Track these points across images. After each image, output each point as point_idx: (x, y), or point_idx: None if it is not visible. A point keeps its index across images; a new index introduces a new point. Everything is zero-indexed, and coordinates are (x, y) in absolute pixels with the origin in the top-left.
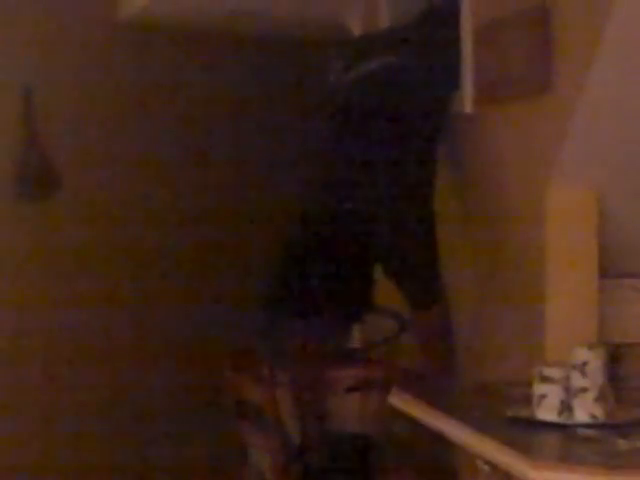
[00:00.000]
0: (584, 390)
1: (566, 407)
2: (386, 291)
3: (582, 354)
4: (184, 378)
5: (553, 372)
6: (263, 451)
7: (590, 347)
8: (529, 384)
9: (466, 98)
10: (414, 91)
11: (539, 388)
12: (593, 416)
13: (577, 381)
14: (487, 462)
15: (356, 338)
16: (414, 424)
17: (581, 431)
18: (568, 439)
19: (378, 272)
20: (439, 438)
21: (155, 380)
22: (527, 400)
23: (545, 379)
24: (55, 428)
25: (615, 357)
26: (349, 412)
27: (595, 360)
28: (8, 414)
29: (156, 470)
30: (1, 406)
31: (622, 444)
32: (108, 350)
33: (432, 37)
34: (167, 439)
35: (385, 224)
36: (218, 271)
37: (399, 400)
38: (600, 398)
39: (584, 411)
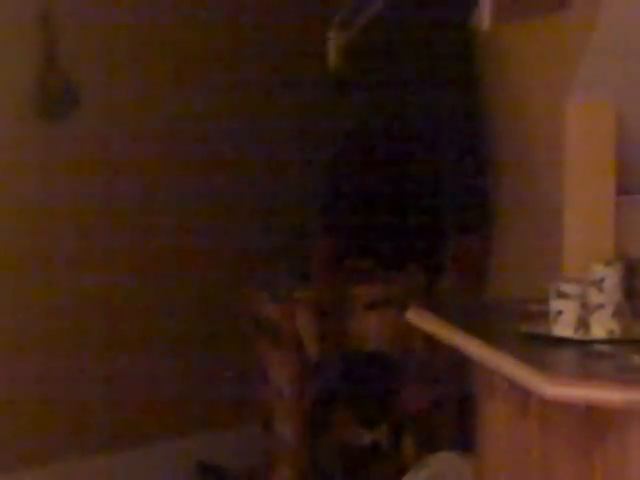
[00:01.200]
0: (601, 306)
1: (583, 323)
2: None
3: (599, 270)
4: (203, 294)
5: (570, 288)
6: (281, 368)
7: (607, 263)
8: (546, 300)
9: (484, 14)
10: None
11: (556, 304)
12: (610, 332)
13: (594, 297)
14: (505, 378)
15: None
16: (432, 341)
17: (597, 347)
18: (584, 355)
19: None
20: (457, 355)
21: (175, 294)
22: (544, 316)
23: (562, 295)
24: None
25: (632, 273)
26: (367, 330)
27: (612, 276)
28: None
29: (180, 387)
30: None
31: (638, 359)
32: (120, 263)
33: None
34: (187, 358)
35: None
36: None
37: (417, 317)
38: (617, 314)
39: (601, 327)
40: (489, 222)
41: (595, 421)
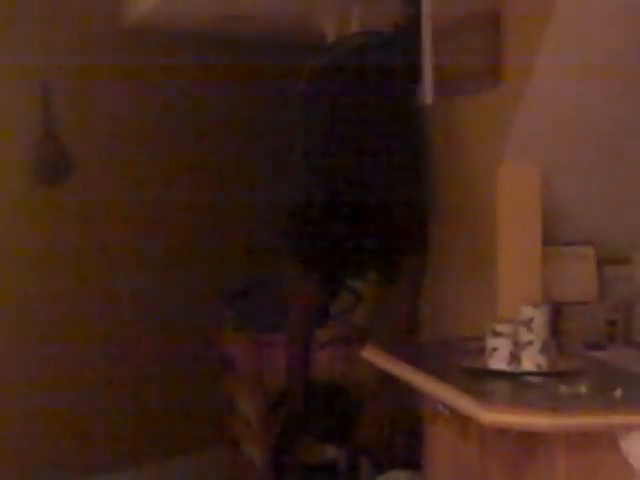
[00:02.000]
0: (530, 343)
1: (515, 358)
2: None
3: (528, 312)
4: (176, 336)
5: (503, 327)
6: (247, 401)
7: (535, 306)
8: (482, 338)
9: (426, 90)
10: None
11: (491, 342)
12: (538, 366)
13: (524, 335)
14: (447, 406)
15: None
16: (382, 374)
17: (528, 379)
18: (516, 386)
19: None
20: (404, 386)
21: (152, 333)
22: (481, 352)
23: (496, 334)
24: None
25: (557, 314)
26: (322, 365)
27: (539, 317)
28: None
29: (153, 418)
30: None
31: (563, 389)
32: (105, 313)
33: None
34: (164, 392)
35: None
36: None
37: (371, 354)
38: (544, 350)
39: (530, 361)
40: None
41: (526, 443)
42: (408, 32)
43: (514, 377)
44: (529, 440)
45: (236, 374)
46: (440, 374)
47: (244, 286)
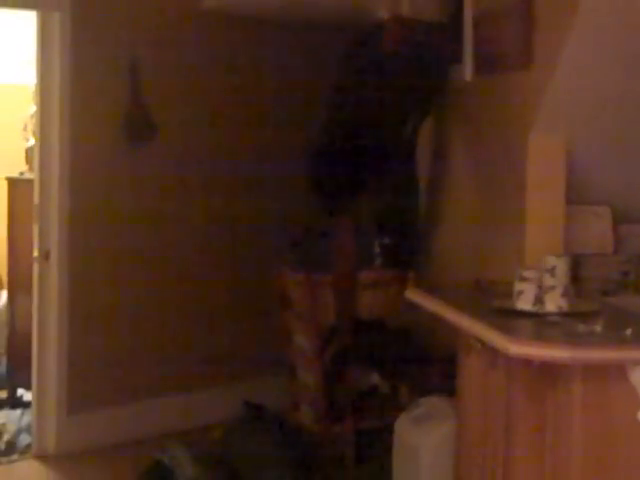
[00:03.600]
0: (553, 288)
1: (539, 300)
2: None
3: (552, 261)
4: (245, 277)
5: (530, 273)
6: (303, 336)
7: (558, 256)
8: (511, 283)
9: (467, 69)
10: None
11: (519, 285)
12: (559, 307)
13: (548, 281)
14: (479, 340)
15: None
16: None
17: (550, 318)
18: (540, 324)
19: None
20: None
21: (222, 277)
22: (509, 295)
23: (523, 279)
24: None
25: (577, 264)
26: (365, 304)
27: (562, 265)
28: None
29: (220, 350)
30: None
31: (581, 328)
32: (183, 258)
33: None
34: (229, 327)
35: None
36: (273, 195)
37: (414, 295)
38: (565, 294)
39: (553, 303)
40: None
41: (547, 373)
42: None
43: (538, 317)
44: (550, 371)
45: (292, 309)
46: (473, 313)
47: (303, 234)
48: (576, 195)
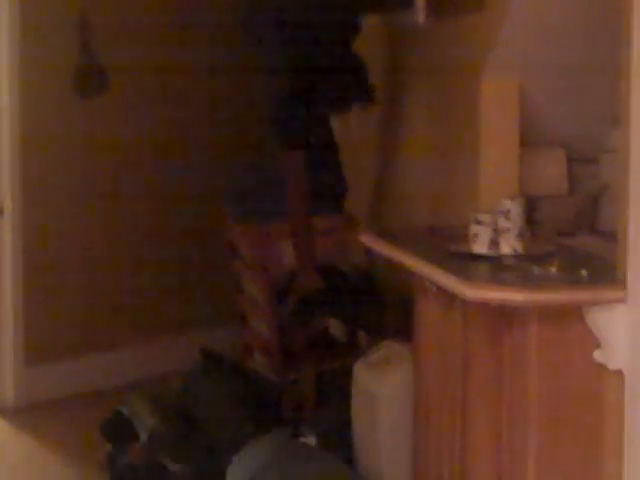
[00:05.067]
0: (508, 230)
1: (494, 243)
2: None
3: (506, 204)
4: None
5: (485, 217)
6: (254, 285)
7: (512, 198)
8: (466, 226)
9: (419, 11)
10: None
11: (474, 229)
12: (514, 250)
13: (502, 223)
14: (435, 284)
15: None
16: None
17: (505, 261)
18: (495, 267)
19: None
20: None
21: (175, 227)
22: (464, 238)
23: (479, 222)
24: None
25: (532, 206)
26: (322, 250)
27: (516, 208)
28: None
29: (175, 298)
30: None
31: (536, 270)
32: (136, 209)
33: None
34: (184, 275)
35: None
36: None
37: (368, 240)
38: (520, 236)
39: (508, 246)
40: None
41: (504, 316)
42: None
43: (493, 259)
44: (506, 313)
45: (241, 259)
46: (429, 257)
47: (243, 184)
48: (530, 137)
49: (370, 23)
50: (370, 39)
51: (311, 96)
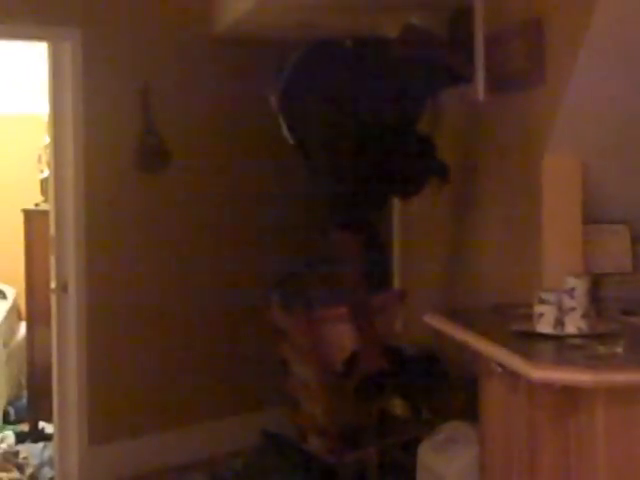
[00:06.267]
0: (573, 309)
1: (559, 322)
2: None
3: (571, 282)
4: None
5: (549, 296)
6: (305, 367)
7: (577, 276)
8: (530, 305)
9: (479, 89)
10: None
11: (538, 308)
12: (580, 329)
13: (567, 302)
14: (500, 365)
15: None
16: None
17: (570, 341)
18: (560, 347)
19: None
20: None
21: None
22: (529, 317)
23: (543, 301)
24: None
25: (596, 284)
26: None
27: (581, 286)
28: None
29: (237, 379)
30: None
31: (602, 349)
32: (190, 286)
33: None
34: (249, 357)
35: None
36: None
37: (433, 320)
38: (585, 315)
39: (573, 325)
40: None
41: (570, 397)
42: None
43: (558, 339)
44: (572, 394)
45: (289, 344)
46: (494, 336)
47: (290, 270)
48: (593, 214)
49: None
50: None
51: (381, 179)
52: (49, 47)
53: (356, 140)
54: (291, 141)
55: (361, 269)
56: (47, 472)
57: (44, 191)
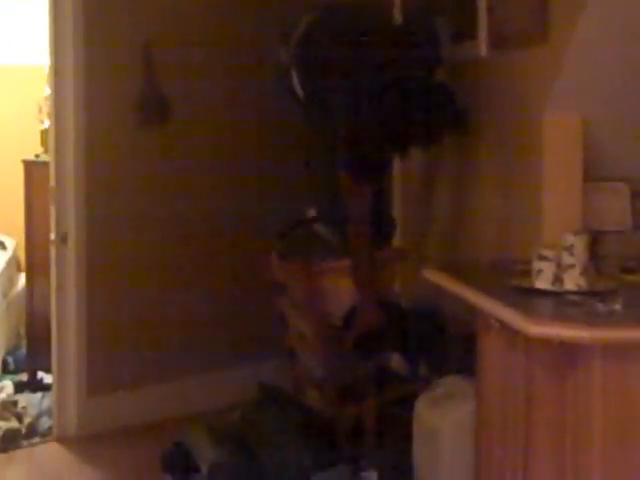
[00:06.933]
0: (571, 266)
1: (558, 279)
2: None
3: (570, 239)
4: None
5: (548, 252)
6: (304, 322)
7: (576, 233)
8: (529, 261)
9: (482, 44)
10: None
11: (537, 264)
12: (578, 286)
13: (566, 259)
14: (498, 320)
15: None
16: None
17: (569, 297)
18: (559, 303)
19: None
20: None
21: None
22: (528, 273)
23: (542, 257)
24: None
25: (595, 241)
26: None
27: (580, 243)
28: None
29: (235, 332)
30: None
31: (600, 307)
32: (189, 238)
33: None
34: (236, 302)
35: None
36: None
37: (432, 275)
38: (584, 272)
39: (571, 282)
40: None
41: (567, 353)
42: None
43: (557, 295)
44: (569, 350)
45: (288, 297)
46: (492, 292)
47: (291, 222)
48: (593, 171)
49: None
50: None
51: (401, 124)
52: None
53: (375, 86)
54: (300, 93)
55: (367, 221)
56: (45, 422)
57: (44, 142)
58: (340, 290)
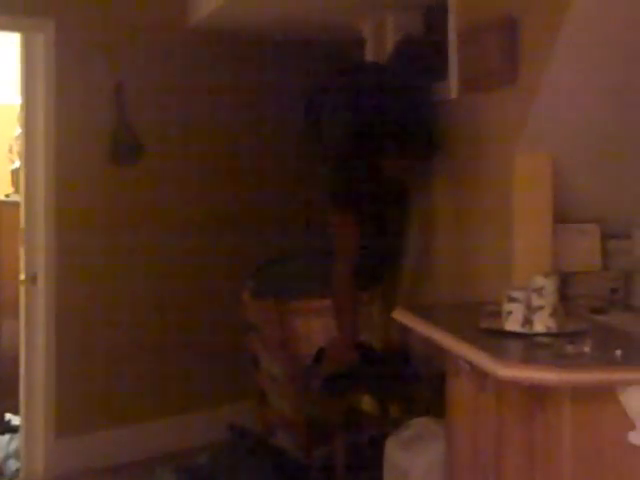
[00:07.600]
0: (541, 308)
1: (527, 321)
2: None
3: (540, 280)
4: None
5: (518, 294)
6: (274, 362)
7: (546, 275)
8: (499, 303)
9: (452, 86)
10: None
11: (507, 306)
12: (548, 327)
13: (536, 301)
14: (468, 362)
15: None
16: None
17: (538, 339)
18: (528, 345)
19: None
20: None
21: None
22: (497, 315)
23: (512, 299)
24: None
25: (565, 282)
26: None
27: (550, 285)
28: None
29: (204, 374)
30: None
31: (570, 349)
32: (161, 278)
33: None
34: (207, 346)
35: None
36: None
37: (401, 316)
38: (553, 314)
39: (541, 324)
40: None
41: (537, 395)
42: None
43: (527, 337)
44: (539, 393)
45: (259, 337)
46: (463, 334)
47: (265, 261)
48: (563, 212)
49: None
50: None
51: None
52: (22, 37)
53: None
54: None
55: (354, 259)
56: (13, 464)
57: (15, 182)
58: (312, 330)
